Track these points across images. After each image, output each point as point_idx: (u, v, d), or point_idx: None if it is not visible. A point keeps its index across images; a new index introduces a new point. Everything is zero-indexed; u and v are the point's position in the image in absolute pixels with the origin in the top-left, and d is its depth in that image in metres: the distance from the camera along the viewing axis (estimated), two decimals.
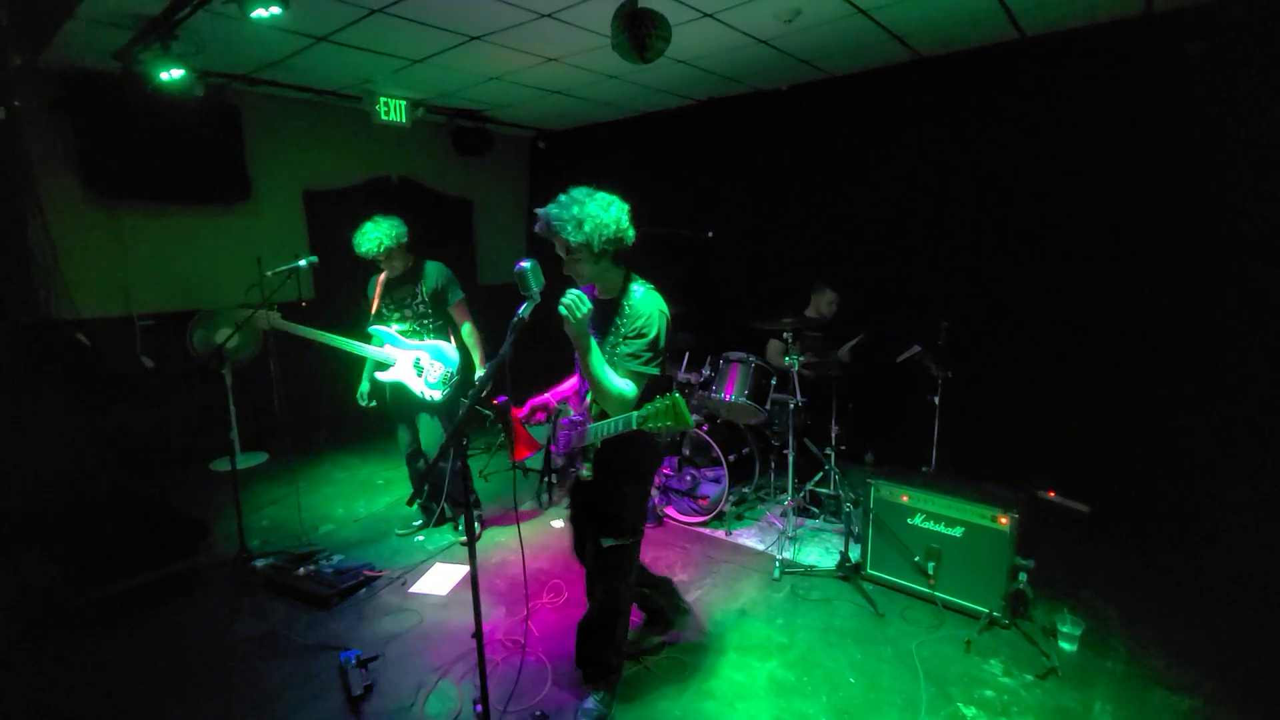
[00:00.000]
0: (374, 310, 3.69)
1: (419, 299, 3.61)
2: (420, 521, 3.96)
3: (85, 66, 4.28)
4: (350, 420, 5.96)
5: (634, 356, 2.09)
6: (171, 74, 3.76)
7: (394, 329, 3.61)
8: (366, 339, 3.63)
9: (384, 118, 5.16)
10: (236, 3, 2.90)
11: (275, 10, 2.91)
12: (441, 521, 3.94)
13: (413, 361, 3.58)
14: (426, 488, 3.88)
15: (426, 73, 4.68)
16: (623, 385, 2.07)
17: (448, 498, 3.86)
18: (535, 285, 1.95)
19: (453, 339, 3.69)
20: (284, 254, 4.47)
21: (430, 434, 3.64)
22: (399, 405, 3.71)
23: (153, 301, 4.92)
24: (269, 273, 3.64)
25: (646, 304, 2.12)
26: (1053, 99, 4.01)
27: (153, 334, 4.91)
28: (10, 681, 2.62)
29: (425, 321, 3.63)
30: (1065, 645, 2.70)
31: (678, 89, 5.26)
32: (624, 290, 2.16)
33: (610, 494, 2.25)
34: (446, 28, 3.82)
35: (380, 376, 3.63)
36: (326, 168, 5.81)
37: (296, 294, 4.86)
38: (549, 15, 3.63)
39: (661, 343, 2.11)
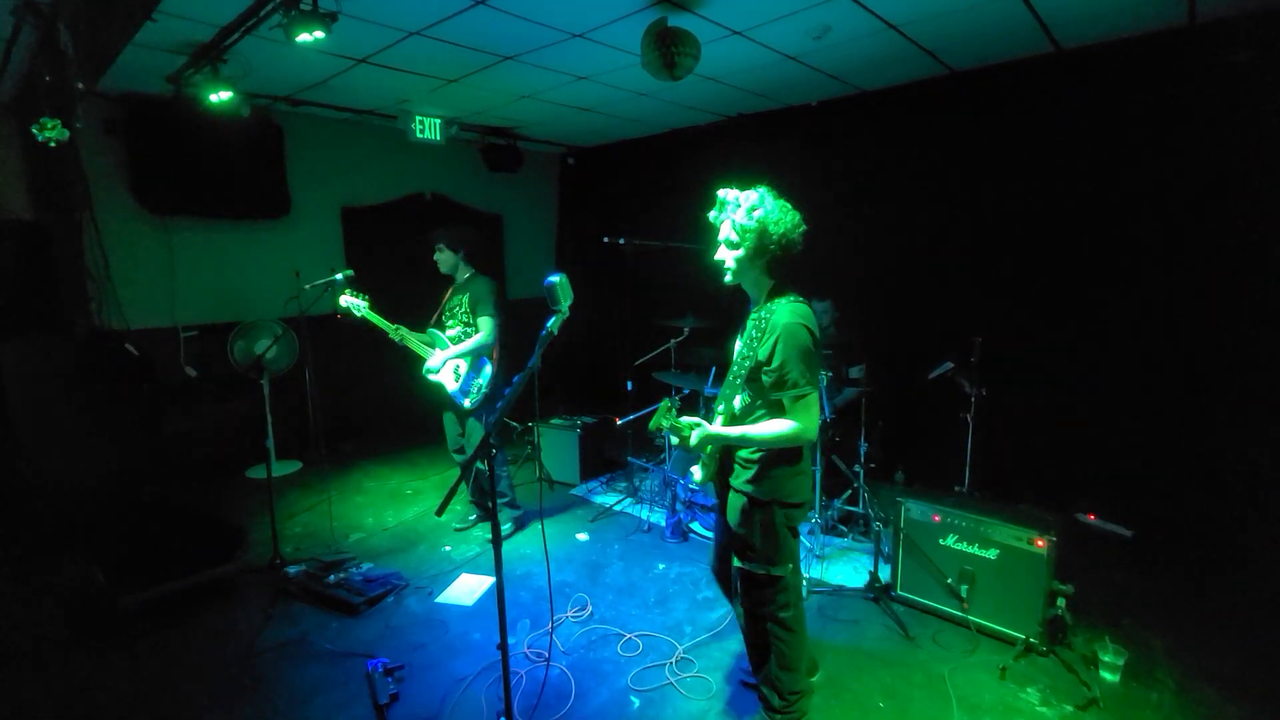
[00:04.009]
0: (436, 316, 3.92)
1: (464, 309, 3.80)
2: (475, 516, 4.18)
3: (140, 90, 4.50)
4: (381, 431, 6.10)
5: (783, 384, 1.95)
6: (220, 96, 3.92)
7: (446, 335, 3.83)
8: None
9: (419, 136, 5.30)
10: (282, 28, 3.01)
11: (319, 35, 3.02)
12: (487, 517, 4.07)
13: (453, 369, 3.77)
14: (475, 486, 4.15)
15: (460, 92, 4.80)
16: (769, 428, 1.96)
17: (485, 496, 4.12)
18: (564, 300, 1.98)
19: (494, 354, 3.82)
20: (321, 268, 4.60)
21: (475, 436, 3.85)
22: (440, 405, 3.96)
23: (196, 313, 5.10)
24: (306, 286, 3.76)
25: (782, 315, 1.98)
26: (1090, 112, 3.94)
27: (195, 345, 5.10)
28: (55, 679, 2.71)
29: (470, 331, 3.78)
30: (1107, 675, 2.59)
31: (707, 105, 5.30)
32: (764, 303, 2.07)
33: (743, 512, 2.15)
34: (480, 49, 3.93)
35: (429, 377, 3.84)
36: (363, 184, 5.98)
37: (332, 307, 4.98)
38: (580, 35, 3.70)
39: (790, 362, 1.94)
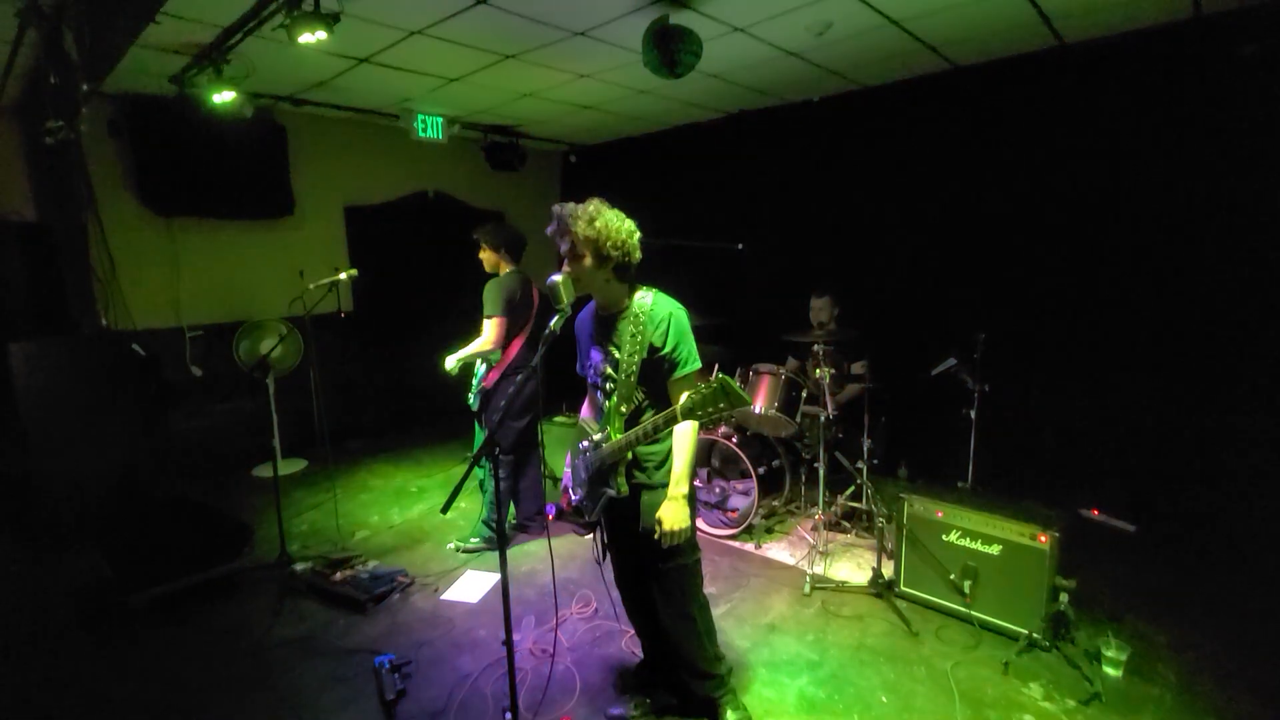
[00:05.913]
0: None
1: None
2: (478, 540, 3.90)
3: (143, 91, 4.52)
4: (386, 429, 6.12)
5: (683, 362, 2.06)
6: (223, 96, 3.94)
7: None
8: None
9: (421, 134, 5.31)
10: (285, 29, 3.03)
11: (321, 35, 3.03)
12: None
13: (476, 371, 3.68)
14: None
15: (462, 90, 4.81)
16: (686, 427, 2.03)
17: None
18: (566, 298, 1.99)
19: (503, 352, 3.57)
20: (325, 267, 4.62)
21: (476, 440, 3.75)
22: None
23: (201, 313, 5.13)
24: (311, 285, 3.77)
25: (662, 305, 2.10)
26: (1095, 106, 3.92)
27: (201, 344, 5.13)
28: (66, 673, 2.74)
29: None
30: (1110, 670, 2.60)
31: (708, 102, 5.29)
32: (630, 303, 2.10)
33: (656, 508, 2.09)
34: (482, 47, 3.93)
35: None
36: (366, 184, 6.00)
37: (336, 306, 5.00)
38: (581, 33, 3.71)
39: (682, 342, 2.08)
